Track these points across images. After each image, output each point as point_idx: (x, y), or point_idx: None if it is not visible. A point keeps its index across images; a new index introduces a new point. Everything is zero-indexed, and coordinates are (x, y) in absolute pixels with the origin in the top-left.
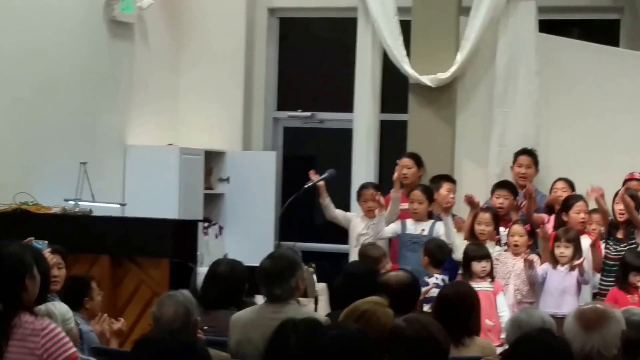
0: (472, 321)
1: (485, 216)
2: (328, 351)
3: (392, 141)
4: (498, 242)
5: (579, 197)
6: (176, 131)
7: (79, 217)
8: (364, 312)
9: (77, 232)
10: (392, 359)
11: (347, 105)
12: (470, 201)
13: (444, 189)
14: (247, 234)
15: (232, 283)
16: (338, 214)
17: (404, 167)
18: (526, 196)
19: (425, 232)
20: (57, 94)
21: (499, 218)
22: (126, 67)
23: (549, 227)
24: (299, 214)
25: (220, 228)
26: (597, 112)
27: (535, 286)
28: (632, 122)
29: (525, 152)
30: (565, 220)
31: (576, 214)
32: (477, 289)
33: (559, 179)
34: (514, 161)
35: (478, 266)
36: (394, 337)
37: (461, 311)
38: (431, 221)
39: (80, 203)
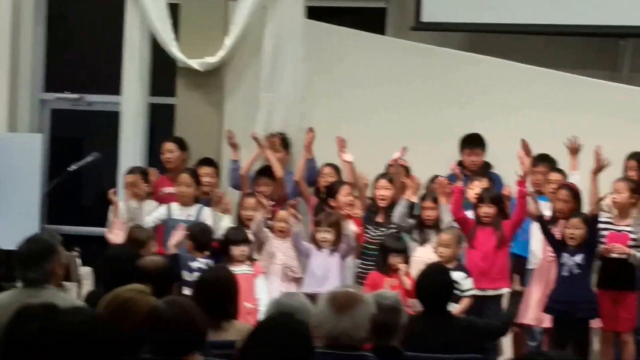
0: (231, 305)
1: (250, 201)
2: (63, 337)
3: (164, 125)
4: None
5: (344, 182)
6: None
7: None
8: (125, 301)
9: None
10: (150, 342)
11: (117, 88)
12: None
13: (205, 172)
14: (11, 218)
15: None
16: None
17: (167, 152)
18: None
19: (192, 217)
20: None
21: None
22: None
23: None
24: (67, 197)
25: None
26: (361, 98)
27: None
28: (396, 107)
29: (274, 136)
30: (333, 205)
31: (342, 198)
32: (236, 273)
33: (327, 165)
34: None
35: (237, 250)
36: (152, 319)
37: (219, 295)
38: (198, 205)
39: None
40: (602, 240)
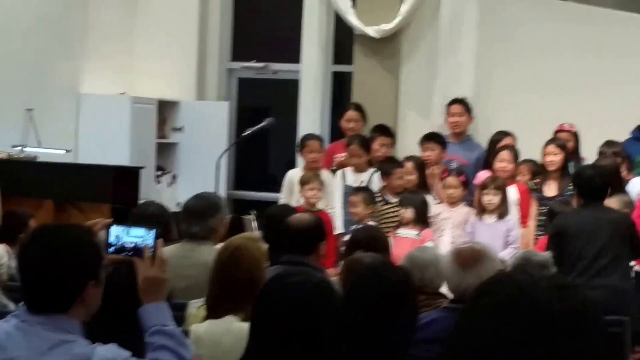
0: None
1: (409, 165)
2: None
3: (345, 92)
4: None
5: (507, 147)
6: (130, 80)
7: (23, 162)
8: (236, 248)
9: (21, 176)
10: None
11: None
12: None
13: (377, 143)
14: (200, 183)
15: (160, 223)
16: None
17: (351, 121)
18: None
19: (364, 183)
20: (8, 41)
21: (425, 169)
22: (80, 15)
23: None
24: (252, 164)
25: (174, 176)
26: (538, 61)
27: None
28: (572, 72)
29: (457, 101)
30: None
31: (500, 163)
32: (403, 236)
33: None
34: (447, 111)
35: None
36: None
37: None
38: (370, 171)
39: (26, 149)
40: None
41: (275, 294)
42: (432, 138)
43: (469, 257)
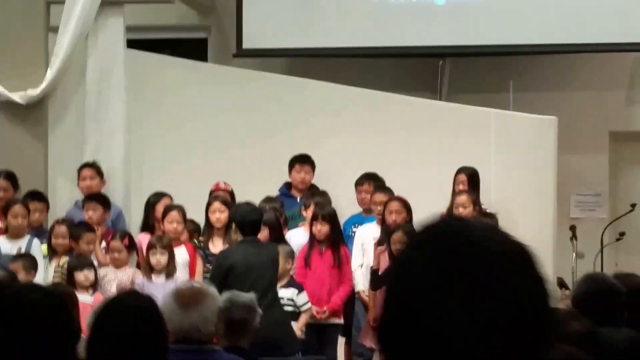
0: None
1: (62, 229)
2: None
3: None
4: None
5: (175, 207)
6: None
7: None
8: None
9: None
10: None
11: None
12: None
13: (34, 207)
14: None
15: None
16: None
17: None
18: None
19: (23, 250)
20: None
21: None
22: None
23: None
24: None
25: None
26: (187, 123)
27: None
28: (220, 129)
29: (87, 165)
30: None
31: (169, 224)
32: (80, 300)
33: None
34: (78, 176)
35: (81, 275)
36: None
37: None
38: (28, 237)
39: None
40: None
41: None
42: (93, 199)
43: (190, 296)
